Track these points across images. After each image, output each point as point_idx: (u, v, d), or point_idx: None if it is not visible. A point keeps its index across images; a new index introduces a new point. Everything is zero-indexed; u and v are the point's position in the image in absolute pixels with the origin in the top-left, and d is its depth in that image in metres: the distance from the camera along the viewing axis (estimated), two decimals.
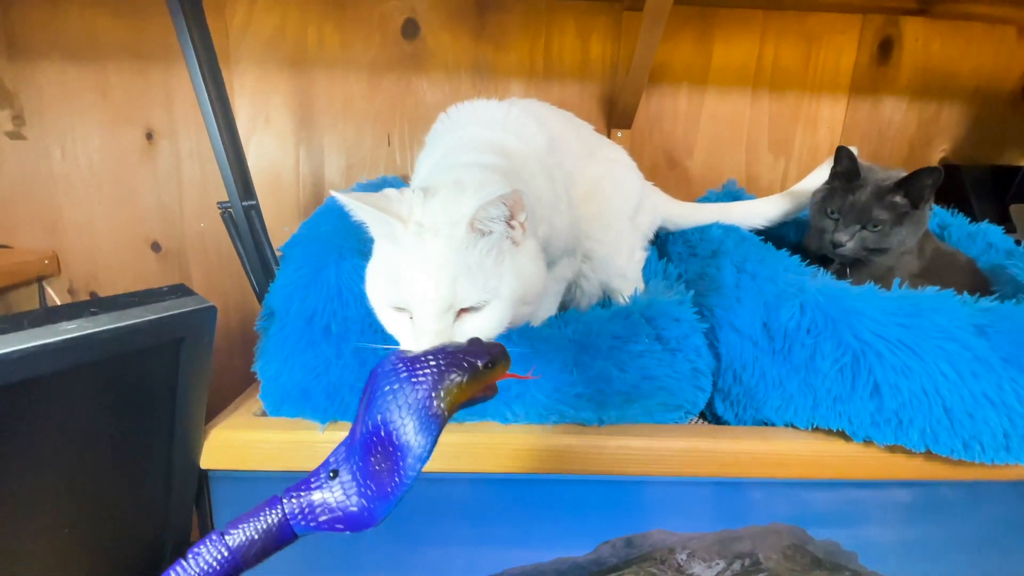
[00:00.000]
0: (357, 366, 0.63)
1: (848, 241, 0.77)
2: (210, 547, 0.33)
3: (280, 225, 1.15)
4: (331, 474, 0.34)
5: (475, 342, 0.39)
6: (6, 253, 1.09)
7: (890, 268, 0.79)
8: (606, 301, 0.83)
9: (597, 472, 0.62)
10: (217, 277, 1.18)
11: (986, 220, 0.94)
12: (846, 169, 0.78)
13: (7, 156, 1.09)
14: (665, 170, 1.20)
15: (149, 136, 1.11)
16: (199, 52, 0.72)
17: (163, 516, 0.60)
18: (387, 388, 0.34)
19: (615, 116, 1.14)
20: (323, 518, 0.34)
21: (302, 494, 0.34)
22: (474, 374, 0.35)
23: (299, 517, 0.34)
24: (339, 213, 0.76)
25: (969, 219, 0.95)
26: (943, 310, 0.62)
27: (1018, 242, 0.90)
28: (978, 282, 0.81)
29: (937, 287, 0.66)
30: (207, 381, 0.58)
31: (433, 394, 0.34)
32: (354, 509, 0.33)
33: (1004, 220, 1.04)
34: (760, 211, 0.92)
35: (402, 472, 0.33)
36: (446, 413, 0.34)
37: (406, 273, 0.52)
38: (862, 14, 1.13)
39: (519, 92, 1.14)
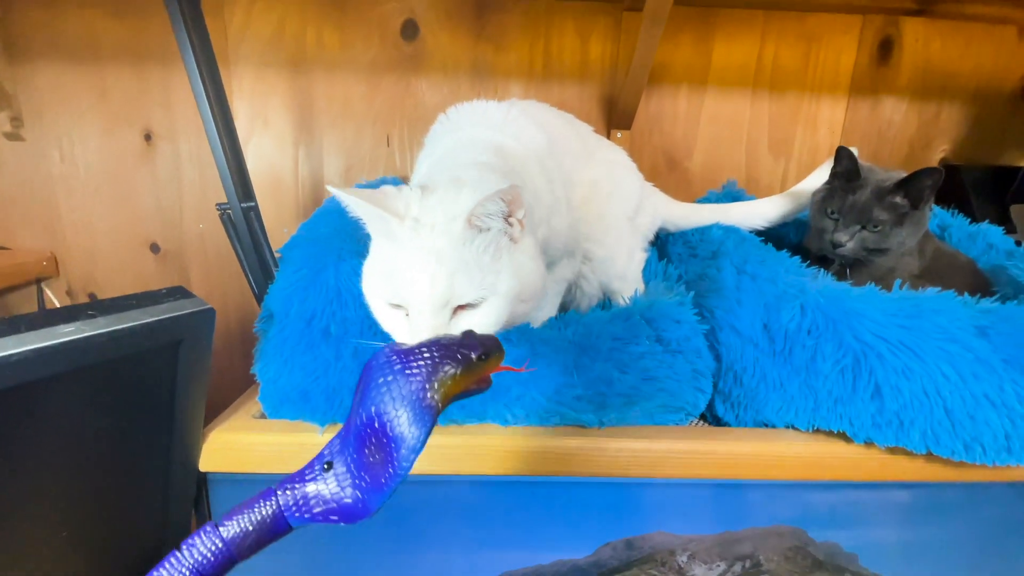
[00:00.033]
0: (356, 368, 0.62)
1: (848, 241, 0.77)
2: (204, 539, 0.33)
3: (279, 226, 1.15)
4: (325, 466, 0.34)
5: (469, 334, 0.39)
6: (4, 254, 1.09)
7: (890, 269, 0.79)
8: (606, 302, 0.83)
9: (597, 474, 0.62)
10: (216, 278, 1.18)
11: (986, 221, 0.94)
12: (846, 169, 0.78)
13: (5, 157, 1.09)
14: (665, 171, 1.20)
15: (148, 137, 1.11)
16: (197, 53, 0.72)
17: (162, 519, 0.60)
18: (381, 380, 0.34)
19: (615, 117, 1.14)
20: (317, 510, 0.34)
21: (296, 486, 0.34)
22: (468, 366, 0.36)
23: (293, 509, 0.34)
24: (338, 214, 0.77)
25: (969, 220, 0.95)
26: (944, 311, 0.61)
27: (1018, 243, 0.90)
28: (979, 283, 0.81)
29: (938, 288, 0.66)
30: (206, 383, 0.58)
31: (427, 385, 0.34)
32: (348, 501, 0.33)
33: (1004, 221, 1.04)
34: (760, 212, 0.92)
35: (396, 463, 0.33)
36: (440, 405, 0.34)
37: (402, 269, 0.52)
38: (862, 14, 1.13)
39: (518, 93, 1.14)
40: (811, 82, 1.17)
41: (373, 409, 0.33)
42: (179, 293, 0.51)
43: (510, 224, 0.54)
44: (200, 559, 0.32)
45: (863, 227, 0.77)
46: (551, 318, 0.72)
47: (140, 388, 0.52)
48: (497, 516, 0.65)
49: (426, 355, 0.35)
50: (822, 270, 0.73)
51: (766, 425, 0.67)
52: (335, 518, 0.34)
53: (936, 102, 1.19)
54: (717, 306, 0.72)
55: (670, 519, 0.66)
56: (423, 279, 0.51)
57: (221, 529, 0.33)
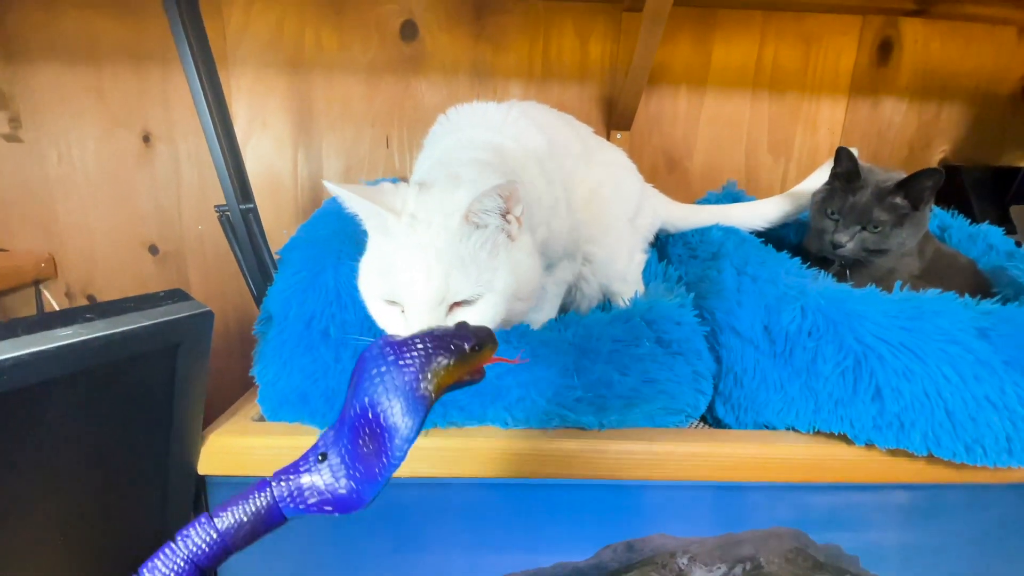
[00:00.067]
0: None
1: (848, 242, 0.77)
2: (199, 530, 0.33)
3: (278, 228, 1.15)
4: (320, 457, 0.35)
5: (463, 325, 0.39)
6: (2, 256, 1.08)
7: (891, 270, 0.79)
8: (606, 304, 0.83)
9: (598, 476, 0.61)
10: (215, 280, 1.18)
11: (986, 221, 0.94)
12: (846, 170, 0.78)
13: (3, 159, 1.09)
14: (664, 172, 1.20)
15: (146, 138, 1.10)
16: (196, 55, 0.72)
17: (160, 523, 0.60)
18: (374, 371, 0.34)
19: (614, 117, 1.13)
20: (312, 500, 0.34)
21: (291, 477, 0.34)
22: (461, 357, 0.36)
23: (288, 500, 0.34)
24: (337, 216, 0.76)
25: (969, 220, 0.95)
26: (945, 313, 0.61)
27: (1019, 243, 0.89)
28: (979, 284, 0.81)
29: (938, 289, 0.66)
30: (204, 386, 0.57)
31: (420, 376, 0.34)
32: (343, 491, 0.34)
33: (1005, 221, 1.03)
34: (760, 212, 0.92)
35: (389, 453, 0.33)
36: (433, 395, 0.34)
37: (398, 265, 0.52)
38: (861, 15, 1.13)
39: (518, 94, 1.14)
40: (811, 83, 1.17)
41: (367, 400, 0.34)
42: (177, 296, 0.51)
43: (507, 221, 0.54)
44: (195, 549, 0.32)
45: (863, 228, 0.76)
46: (551, 320, 0.71)
47: (138, 391, 0.52)
48: (497, 518, 0.65)
49: (419, 346, 0.35)
50: (822, 271, 0.73)
51: (767, 427, 0.67)
52: (329, 509, 0.34)
53: (936, 103, 1.19)
54: (717, 308, 0.71)
55: (671, 521, 0.66)
56: (419, 275, 0.50)
57: (216, 520, 0.33)
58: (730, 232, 0.86)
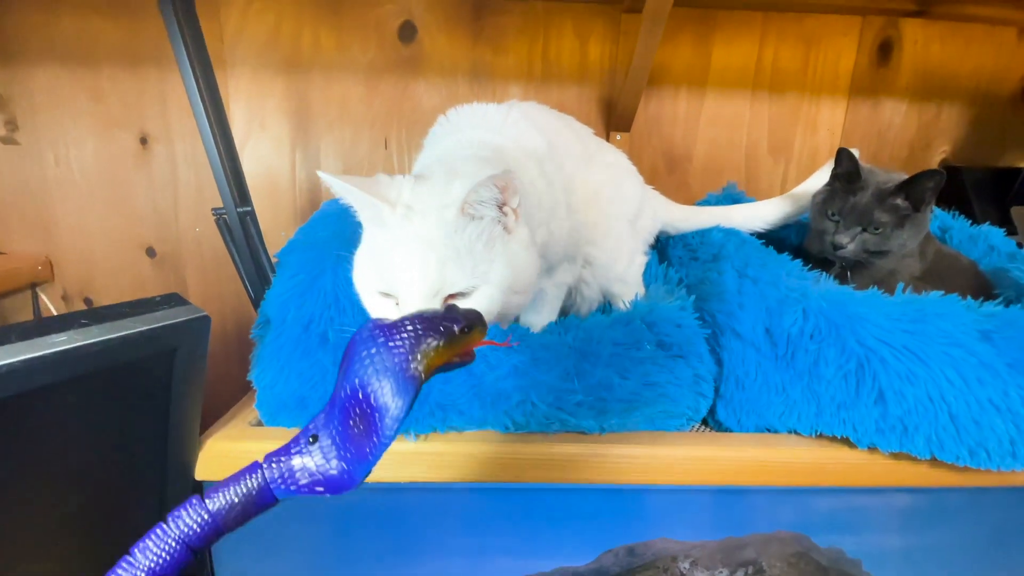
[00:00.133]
0: None
1: (849, 243, 0.76)
2: (190, 511, 0.33)
3: (276, 230, 1.14)
4: (310, 439, 0.35)
5: (452, 308, 0.40)
6: None
7: (892, 271, 0.79)
8: (606, 306, 0.82)
9: (599, 481, 0.61)
10: (213, 282, 1.17)
11: (987, 222, 0.94)
12: (847, 171, 0.78)
13: (0, 161, 1.08)
14: (664, 173, 1.20)
15: (143, 141, 1.10)
16: (192, 56, 0.71)
17: None
18: (364, 353, 0.34)
19: (614, 119, 1.13)
20: (303, 481, 0.34)
21: (282, 459, 0.35)
22: (451, 338, 0.36)
23: (279, 481, 0.34)
24: (336, 218, 0.76)
25: (970, 222, 0.95)
26: (948, 315, 0.61)
27: (1020, 245, 0.89)
28: (981, 285, 0.80)
29: (939, 290, 0.66)
30: (201, 391, 0.57)
31: (410, 357, 0.34)
32: (334, 472, 0.34)
33: (1006, 222, 1.03)
34: (760, 214, 0.91)
35: (380, 433, 0.33)
36: (423, 376, 0.35)
37: (393, 257, 0.51)
38: (861, 16, 1.13)
39: (517, 95, 1.14)
40: (811, 84, 1.16)
41: (357, 381, 0.34)
42: (174, 300, 0.51)
43: (504, 213, 0.53)
44: (186, 530, 0.33)
45: (864, 229, 0.76)
46: (551, 323, 0.71)
47: (134, 397, 0.51)
48: (497, 523, 0.65)
49: (409, 328, 0.35)
50: (824, 273, 0.73)
51: (768, 430, 0.66)
52: (321, 489, 0.34)
53: (936, 103, 1.19)
54: (718, 310, 0.71)
55: (672, 525, 0.65)
56: (414, 267, 0.50)
57: (207, 502, 0.33)
58: (731, 234, 0.85)
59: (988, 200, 1.08)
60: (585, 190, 0.75)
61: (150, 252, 1.15)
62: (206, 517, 0.33)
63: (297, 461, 0.34)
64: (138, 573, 0.31)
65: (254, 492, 0.34)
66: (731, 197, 1.00)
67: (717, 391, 0.68)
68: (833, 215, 0.78)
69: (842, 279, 0.78)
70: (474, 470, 0.60)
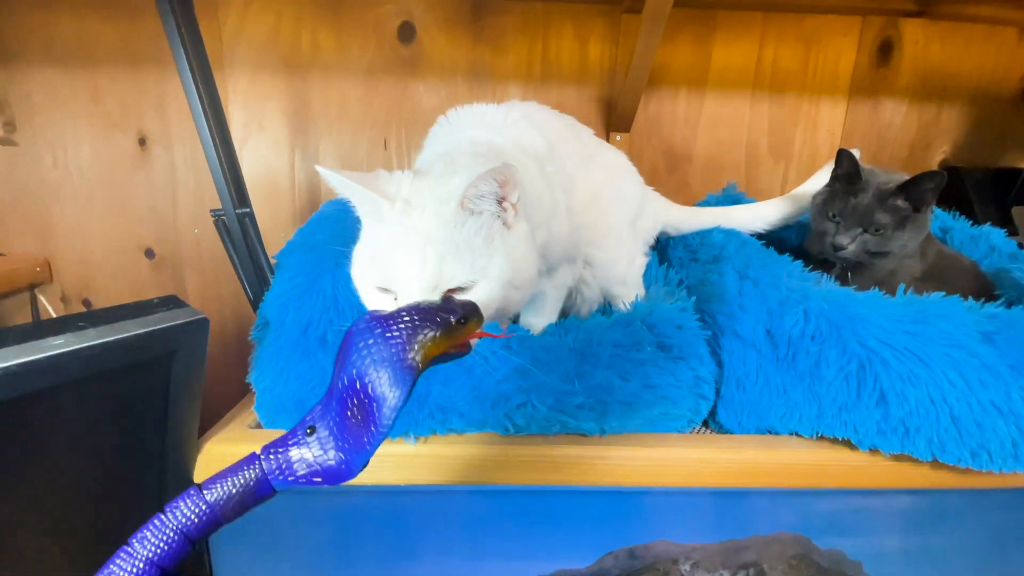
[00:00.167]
0: None
1: (850, 244, 0.76)
2: (188, 502, 0.33)
3: (275, 231, 1.14)
4: (308, 431, 0.35)
5: (449, 299, 0.40)
6: None
7: (892, 271, 0.79)
8: (607, 307, 0.82)
9: (599, 483, 0.61)
10: (212, 283, 1.17)
11: (988, 223, 0.93)
12: (847, 172, 0.78)
13: None
14: (664, 174, 1.19)
15: (142, 142, 1.09)
16: (191, 57, 0.71)
17: None
18: (361, 344, 0.35)
19: (614, 119, 1.13)
20: (301, 472, 0.34)
21: (280, 451, 0.35)
22: (447, 329, 0.37)
23: (277, 472, 0.34)
24: (335, 219, 0.76)
25: (971, 222, 0.94)
26: (949, 317, 0.61)
27: (1021, 245, 0.89)
28: (982, 286, 0.80)
29: (940, 291, 0.66)
30: (200, 394, 0.57)
31: (407, 347, 0.35)
32: (331, 463, 0.34)
33: (1007, 223, 1.03)
34: (761, 215, 0.91)
35: (378, 422, 0.34)
36: (420, 366, 0.35)
37: (392, 252, 0.51)
38: (861, 16, 1.13)
39: (517, 96, 1.13)
40: (811, 84, 1.16)
41: (354, 371, 0.34)
42: (172, 302, 0.50)
43: (503, 208, 0.53)
44: (184, 520, 0.33)
45: (865, 230, 0.76)
46: (551, 324, 0.71)
47: (132, 400, 0.51)
48: (497, 526, 0.65)
49: (406, 319, 0.36)
50: (825, 275, 0.73)
51: (769, 432, 0.66)
52: (319, 480, 0.34)
53: (936, 104, 1.18)
54: (719, 311, 0.71)
55: (673, 527, 0.65)
56: (413, 261, 0.50)
57: (205, 492, 0.34)
58: (731, 235, 0.85)
59: (989, 200, 1.08)
60: (585, 191, 0.75)
61: (149, 253, 1.15)
62: (204, 508, 0.33)
63: (295, 452, 0.35)
64: (136, 563, 0.32)
65: (252, 483, 0.34)
66: (731, 198, 1.00)
67: (718, 393, 0.68)
68: (834, 216, 0.78)
69: (843, 280, 0.77)
70: (474, 472, 0.60)
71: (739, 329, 0.68)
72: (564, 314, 0.78)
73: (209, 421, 0.65)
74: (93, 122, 1.08)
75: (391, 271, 0.51)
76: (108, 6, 1.03)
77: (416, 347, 0.35)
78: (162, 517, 0.33)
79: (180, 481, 0.59)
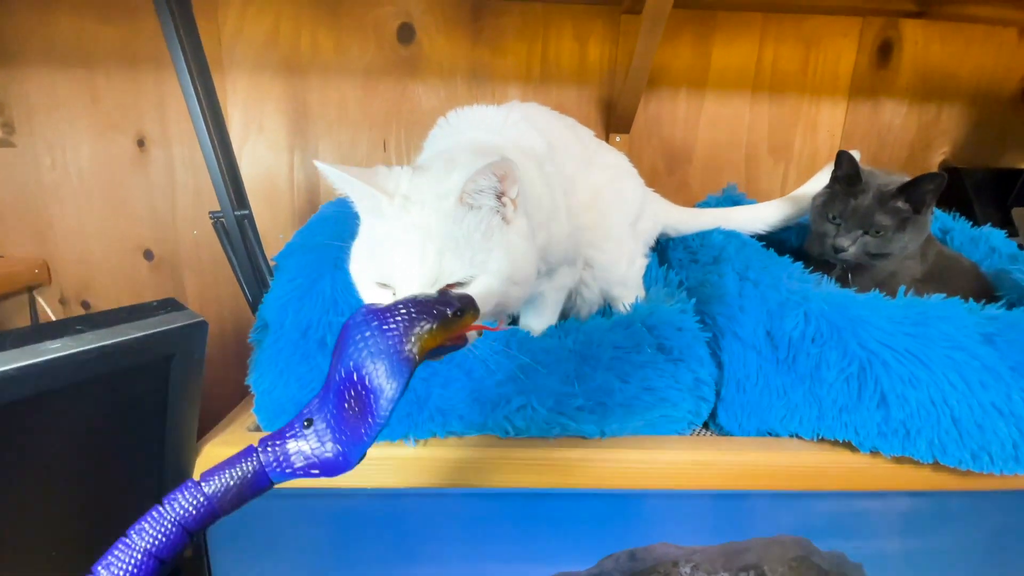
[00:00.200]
0: None
1: (850, 246, 0.76)
2: (186, 494, 0.33)
3: (274, 232, 1.14)
4: (305, 423, 0.35)
5: (445, 292, 0.40)
6: None
7: (892, 273, 0.79)
8: (606, 309, 0.82)
9: (599, 485, 0.61)
10: (211, 285, 1.17)
11: (988, 224, 0.93)
12: (847, 174, 0.78)
13: None
14: (664, 175, 1.19)
15: (141, 143, 1.09)
16: (189, 58, 0.71)
17: None
18: (359, 337, 0.35)
19: (613, 120, 1.13)
20: (298, 464, 0.34)
21: (277, 443, 0.35)
22: (443, 321, 0.37)
23: (274, 464, 0.35)
24: (335, 221, 0.75)
25: (971, 223, 0.94)
26: (950, 318, 0.61)
27: (1021, 246, 0.89)
28: (982, 287, 0.80)
29: (940, 292, 0.66)
30: (198, 397, 0.56)
31: (404, 339, 0.35)
32: (329, 455, 0.34)
33: (1007, 224, 1.03)
34: (761, 216, 0.91)
35: (375, 413, 0.34)
36: (417, 358, 0.35)
37: (391, 247, 0.51)
38: (861, 17, 1.13)
39: (516, 96, 1.13)
40: (811, 85, 1.16)
41: (351, 364, 0.34)
42: (170, 305, 0.50)
43: (502, 203, 0.53)
44: (182, 512, 0.33)
45: (865, 232, 0.76)
46: (551, 326, 0.71)
47: (131, 403, 0.51)
48: (497, 528, 0.65)
49: (402, 311, 0.36)
50: (825, 276, 0.73)
51: (770, 434, 0.66)
52: (316, 472, 0.35)
53: (936, 104, 1.18)
54: (719, 313, 0.71)
55: (673, 530, 0.65)
56: (412, 257, 0.50)
57: (203, 485, 0.34)
58: (731, 236, 0.85)
59: (989, 201, 1.07)
60: (586, 192, 0.74)
61: (148, 255, 1.14)
62: (202, 500, 0.33)
63: (292, 445, 0.35)
64: (134, 554, 0.32)
65: (249, 475, 0.34)
66: (731, 199, 0.99)
67: (718, 394, 0.68)
68: (834, 218, 0.78)
69: (843, 281, 0.77)
70: (474, 475, 0.60)
71: (739, 331, 0.68)
72: (564, 315, 0.77)
73: (208, 423, 0.65)
74: (92, 123, 1.07)
75: (390, 267, 0.51)
76: (107, 7, 1.03)
77: (413, 339, 0.35)
78: (160, 509, 0.33)
79: (179, 484, 0.58)
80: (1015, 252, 0.87)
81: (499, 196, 0.52)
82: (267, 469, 0.34)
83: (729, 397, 0.67)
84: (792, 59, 1.14)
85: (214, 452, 0.60)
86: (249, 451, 0.35)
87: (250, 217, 0.79)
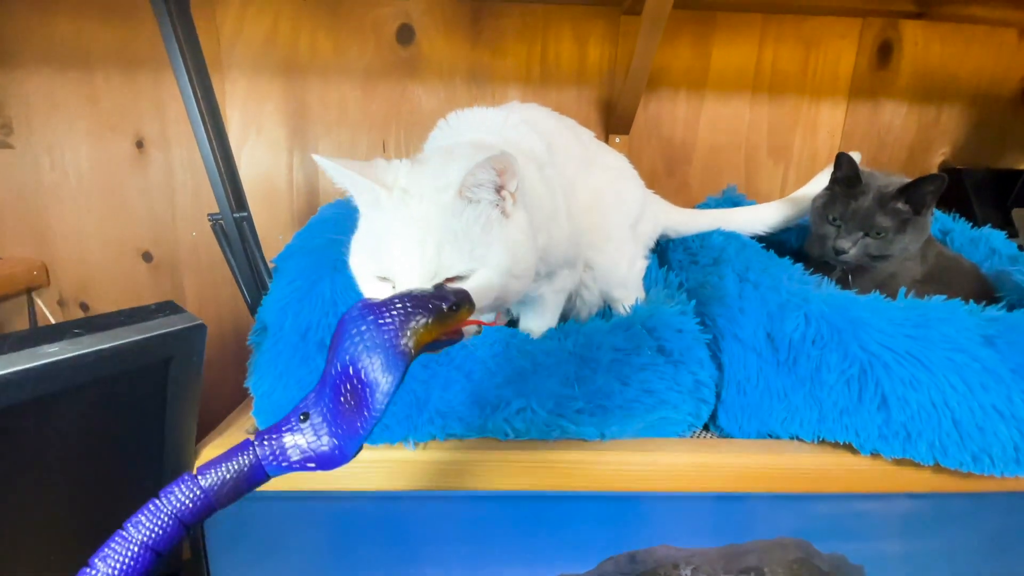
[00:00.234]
0: None
1: (851, 248, 0.76)
2: (183, 487, 0.34)
3: (273, 234, 1.13)
4: (301, 417, 0.35)
5: (440, 287, 0.41)
6: None
7: (892, 274, 0.79)
8: (606, 311, 0.82)
9: (599, 488, 0.61)
10: (210, 286, 1.17)
11: (988, 225, 0.93)
12: (847, 175, 0.78)
13: None
14: (664, 175, 1.19)
15: (139, 144, 1.09)
16: (187, 60, 0.70)
17: None
18: (354, 331, 0.35)
19: (613, 121, 1.13)
20: (295, 458, 0.35)
21: (273, 437, 0.35)
22: (439, 316, 0.37)
23: (271, 458, 0.35)
24: (334, 222, 0.75)
25: (971, 224, 0.94)
26: (951, 320, 0.61)
27: (1021, 247, 0.89)
28: (982, 288, 0.80)
29: (941, 293, 0.66)
30: (197, 400, 0.56)
31: (400, 333, 0.35)
32: (325, 448, 0.35)
33: (1007, 225, 1.03)
34: (761, 217, 0.91)
35: (371, 407, 0.34)
36: (413, 352, 0.35)
37: (390, 241, 0.51)
38: (861, 18, 1.13)
39: (516, 98, 1.13)
40: (810, 86, 1.16)
41: (347, 358, 0.35)
42: (169, 308, 0.50)
43: (501, 197, 0.53)
44: (179, 505, 0.33)
45: (866, 233, 0.76)
46: (551, 328, 0.70)
47: (129, 406, 0.51)
48: (497, 531, 0.64)
49: (398, 306, 0.36)
50: (826, 278, 0.72)
51: (770, 436, 0.66)
52: (312, 465, 0.35)
53: (936, 105, 1.18)
54: (719, 315, 0.71)
55: (673, 532, 0.65)
56: (411, 251, 0.50)
57: (200, 478, 0.34)
58: (731, 237, 0.85)
59: (989, 202, 1.07)
60: (586, 194, 0.74)
61: (146, 257, 1.14)
62: (198, 493, 0.33)
63: (288, 439, 0.35)
64: (131, 547, 0.32)
65: (245, 469, 0.34)
66: (731, 200, 0.99)
67: (718, 396, 0.68)
68: (834, 219, 0.78)
69: (843, 283, 0.77)
70: (473, 478, 0.60)
71: (739, 332, 0.68)
72: (564, 317, 0.77)
73: (207, 426, 0.65)
74: (90, 125, 1.07)
75: (389, 260, 0.51)
76: (106, 9, 1.02)
77: (408, 333, 0.35)
78: (157, 502, 0.33)
79: None
80: (1015, 253, 0.87)
81: (498, 190, 0.52)
82: (263, 462, 0.35)
83: (729, 399, 0.67)
84: (792, 60, 1.14)
85: (213, 455, 0.59)
86: (245, 444, 0.35)
87: (249, 219, 0.79)
